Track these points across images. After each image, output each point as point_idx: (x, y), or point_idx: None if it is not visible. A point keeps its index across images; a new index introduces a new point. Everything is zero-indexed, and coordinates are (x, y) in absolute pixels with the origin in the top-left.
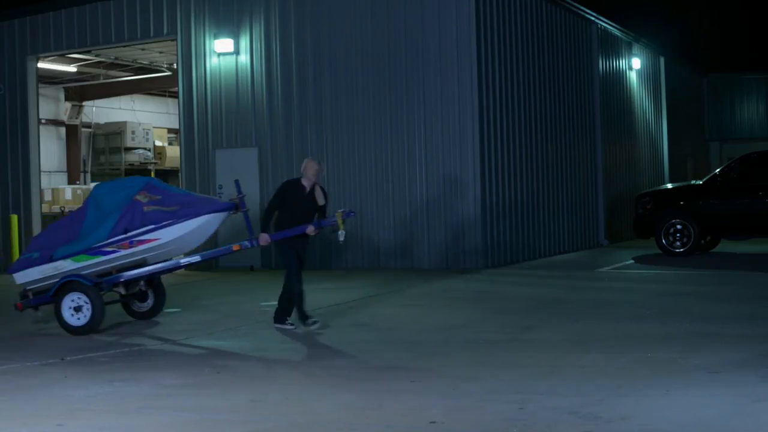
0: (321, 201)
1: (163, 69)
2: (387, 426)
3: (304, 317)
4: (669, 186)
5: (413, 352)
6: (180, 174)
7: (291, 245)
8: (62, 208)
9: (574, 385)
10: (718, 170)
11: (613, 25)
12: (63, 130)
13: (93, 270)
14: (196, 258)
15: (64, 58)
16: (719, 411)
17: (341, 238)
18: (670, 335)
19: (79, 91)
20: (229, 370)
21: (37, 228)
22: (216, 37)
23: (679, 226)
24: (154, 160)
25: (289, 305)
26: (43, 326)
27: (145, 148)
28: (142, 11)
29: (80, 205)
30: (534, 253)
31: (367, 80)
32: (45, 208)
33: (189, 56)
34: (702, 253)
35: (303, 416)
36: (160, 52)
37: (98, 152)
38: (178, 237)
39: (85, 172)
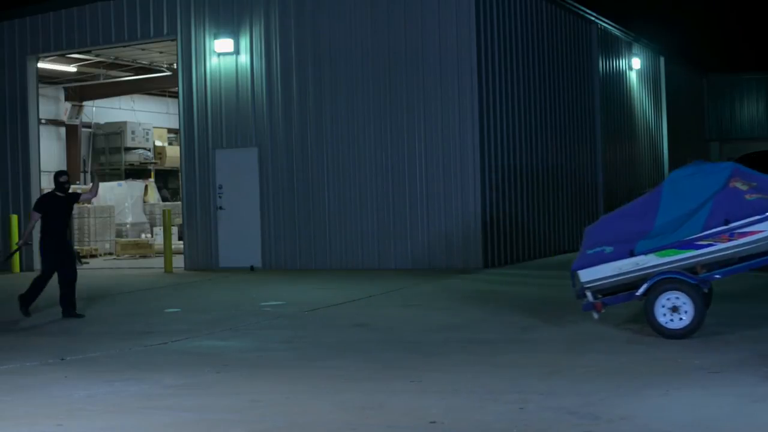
0: None
1: (163, 69)
2: (387, 426)
3: None
4: None
5: (413, 352)
6: (180, 174)
7: None
8: None
9: (574, 385)
10: None
11: (613, 25)
12: (63, 130)
13: (677, 265)
14: None
15: (64, 58)
16: (719, 411)
17: None
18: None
19: (79, 91)
20: (229, 370)
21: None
22: (216, 37)
23: None
24: (154, 160)
25: None
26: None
27: (145, 148)
28: (142, 11)
29: (650, 192)
30: (534, 253)
31: (367, 80)
32: None
33: (189, 56)
34: None
35: (303, 416)
36: (160, 52)
37: (98, 152)
38: None
39: (85, 172)
